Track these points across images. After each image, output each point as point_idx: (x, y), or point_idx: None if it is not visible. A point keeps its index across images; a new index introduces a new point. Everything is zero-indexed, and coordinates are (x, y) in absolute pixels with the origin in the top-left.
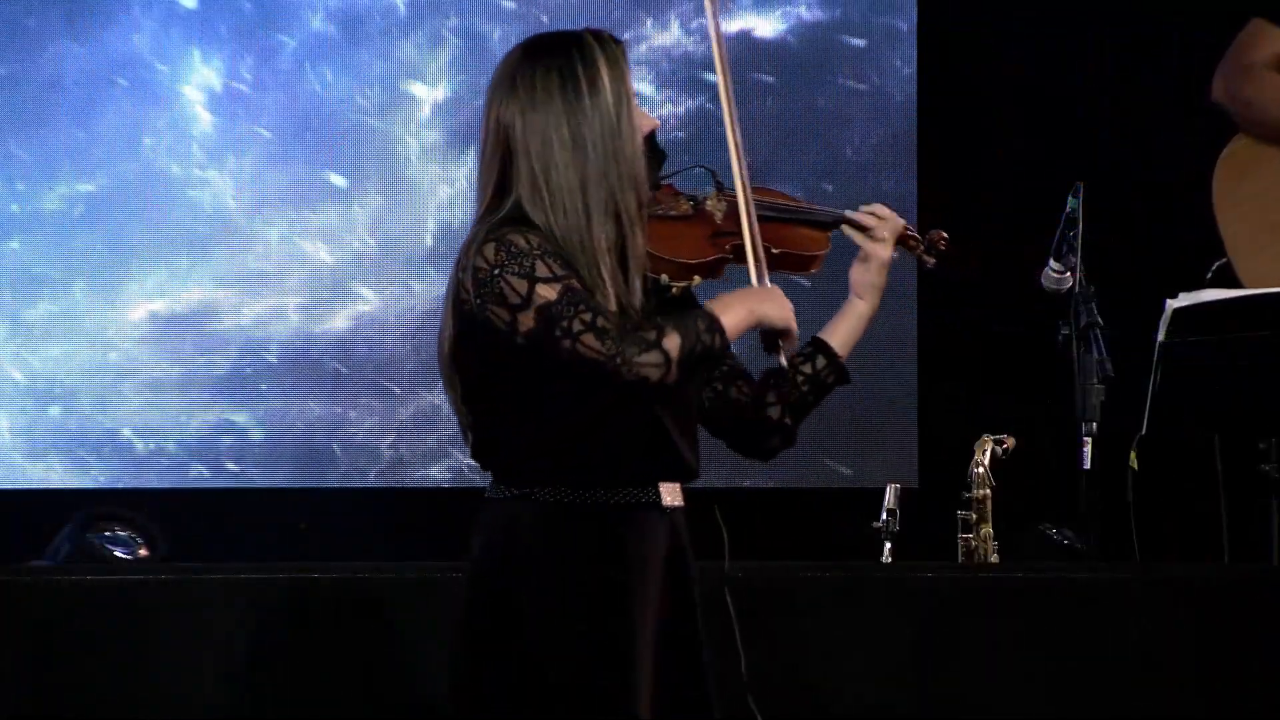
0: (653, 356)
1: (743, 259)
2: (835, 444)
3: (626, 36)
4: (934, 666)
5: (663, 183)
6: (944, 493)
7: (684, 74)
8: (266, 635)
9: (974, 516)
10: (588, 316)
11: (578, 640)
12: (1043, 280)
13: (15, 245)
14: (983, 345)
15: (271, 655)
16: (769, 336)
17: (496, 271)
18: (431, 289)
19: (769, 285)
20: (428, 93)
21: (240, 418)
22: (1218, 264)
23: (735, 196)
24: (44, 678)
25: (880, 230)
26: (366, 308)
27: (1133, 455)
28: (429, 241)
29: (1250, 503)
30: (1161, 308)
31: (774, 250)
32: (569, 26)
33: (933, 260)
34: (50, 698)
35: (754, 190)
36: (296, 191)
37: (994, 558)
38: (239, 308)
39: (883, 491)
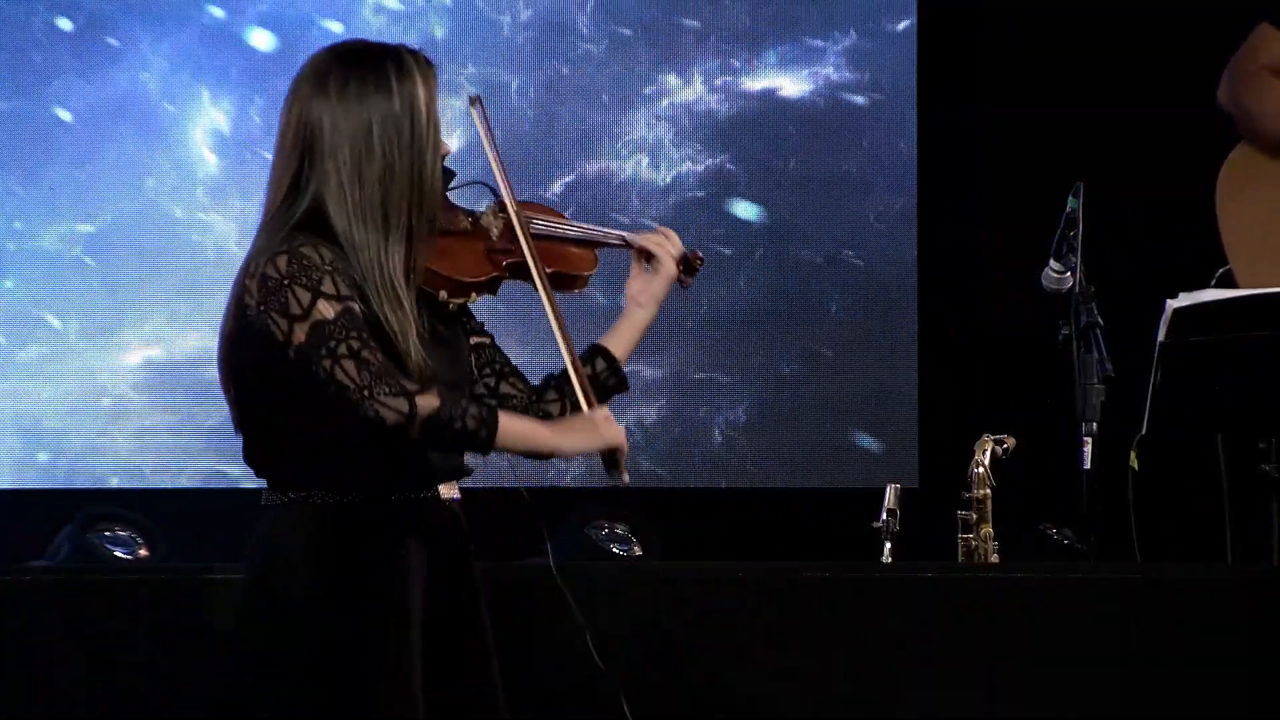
0: (398, 403)
1: (519, 276)
2: (836, 443)
3: (648, 91)
4: (934, 667)
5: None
6: (944, 493)
7: (705, 130)
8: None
9: (974, 516)
10: (355, 344)
11: (337, 644)
12: (1043, 280)
13: (9, 284)
14: (983, 345)
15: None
16: (607, 458)
17: (286, 282)
18: None
19: (598, 411)
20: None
21: (234, 470)
22: (1221, 270)
23: (508, 216)
24: (44, 678)
25: (667, 248)
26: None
27: (1133, 455)
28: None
29: (1250, 503)
30: (1161, 308)
31: (548, 269)
32: (592, 78)
33: (690, 281)
34: (50, 698)
35: (526, 207)
36: None
37: (994, 558)
38: None
39: (883, 491)
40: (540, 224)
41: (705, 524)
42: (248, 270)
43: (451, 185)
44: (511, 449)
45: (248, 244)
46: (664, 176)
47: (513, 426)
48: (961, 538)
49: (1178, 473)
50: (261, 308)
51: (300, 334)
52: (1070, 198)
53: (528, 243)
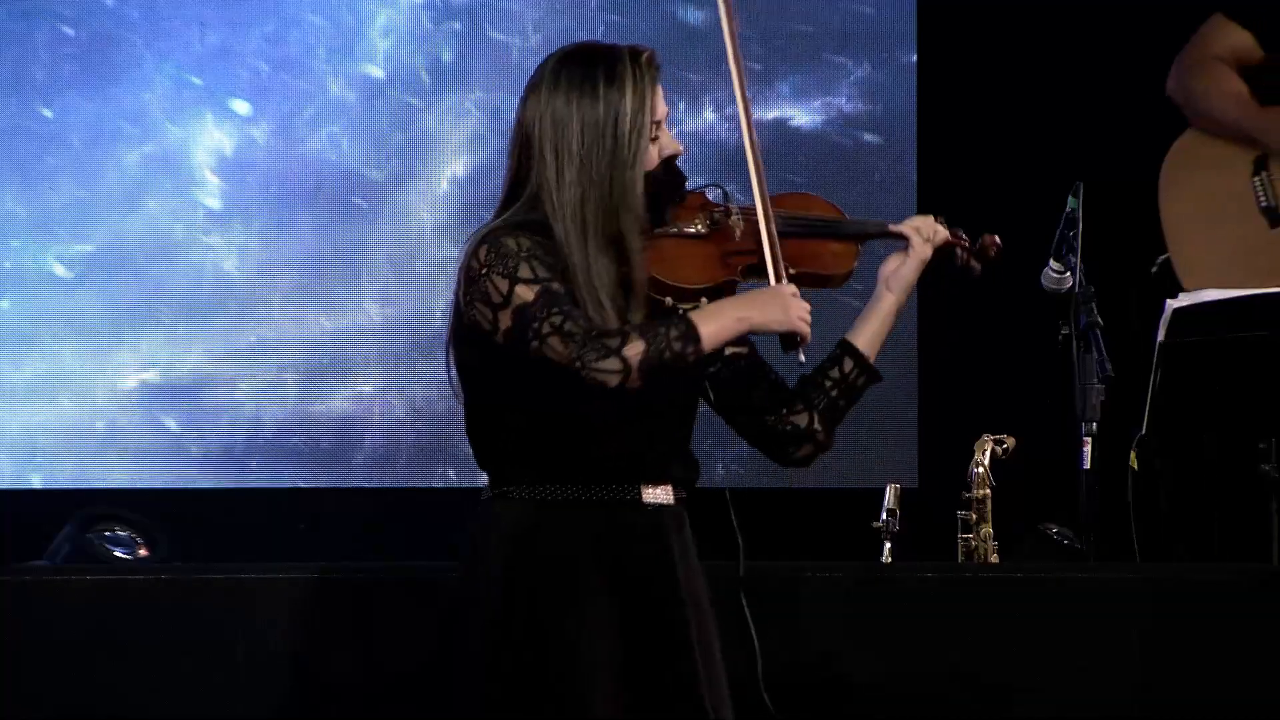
0: (610, 364)
1: (756, 275)
2: (836, 443)
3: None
4: (934, 666)
5: (691, 191)
6: (944, 493)
7: (715, 161)
8: (266, 635)
9: (974, 516)
10: (557, 320)
11: (529, 639)
12: (1043, 280)
13: (5, 304)
14: (983, 345)
15: (272, 656)
16: (786, 337)
17: (484, 271)
18: (437, 371)
19: (782, 284)
20: (446, 166)
21: (230, 490)
22: (1162, 257)
23: (754, 214)
24: (44, 678)
25: (924, 231)
26: (368, 387)
27: (1133, 455)
28: (437, 321)
29: (1250, 503)
30: (1161, 308)
31: (790, 270)
32: None
33: (979, 267)
34: (50, 698)
35: (784, 200)
36: (303, 262)
37: (994, 558)
38: (234, 380)
39: (883, 491)
40: (791, 220)
41: (706, 524)
42: (460, 265)
43: (697, 188)
44: (721, 342)
45: (248, 266)
46: None
47: (708, 325)
48: (961, 538)
49: (1178, 473)
50: (468, 300)
51: (505, 320)
52: (1070, 197)
53: (770, 245)
